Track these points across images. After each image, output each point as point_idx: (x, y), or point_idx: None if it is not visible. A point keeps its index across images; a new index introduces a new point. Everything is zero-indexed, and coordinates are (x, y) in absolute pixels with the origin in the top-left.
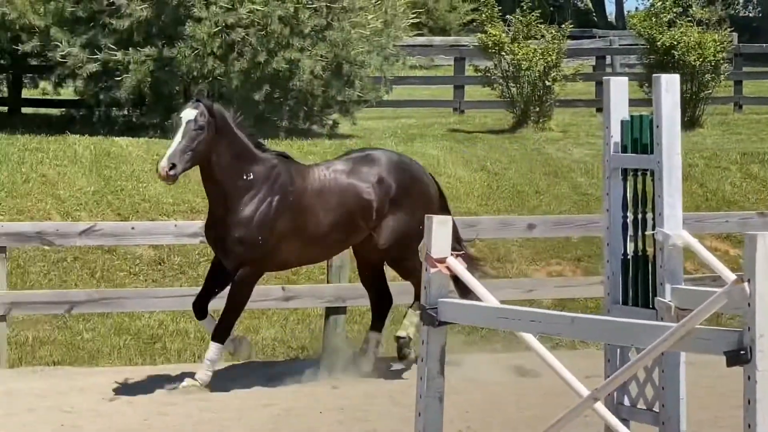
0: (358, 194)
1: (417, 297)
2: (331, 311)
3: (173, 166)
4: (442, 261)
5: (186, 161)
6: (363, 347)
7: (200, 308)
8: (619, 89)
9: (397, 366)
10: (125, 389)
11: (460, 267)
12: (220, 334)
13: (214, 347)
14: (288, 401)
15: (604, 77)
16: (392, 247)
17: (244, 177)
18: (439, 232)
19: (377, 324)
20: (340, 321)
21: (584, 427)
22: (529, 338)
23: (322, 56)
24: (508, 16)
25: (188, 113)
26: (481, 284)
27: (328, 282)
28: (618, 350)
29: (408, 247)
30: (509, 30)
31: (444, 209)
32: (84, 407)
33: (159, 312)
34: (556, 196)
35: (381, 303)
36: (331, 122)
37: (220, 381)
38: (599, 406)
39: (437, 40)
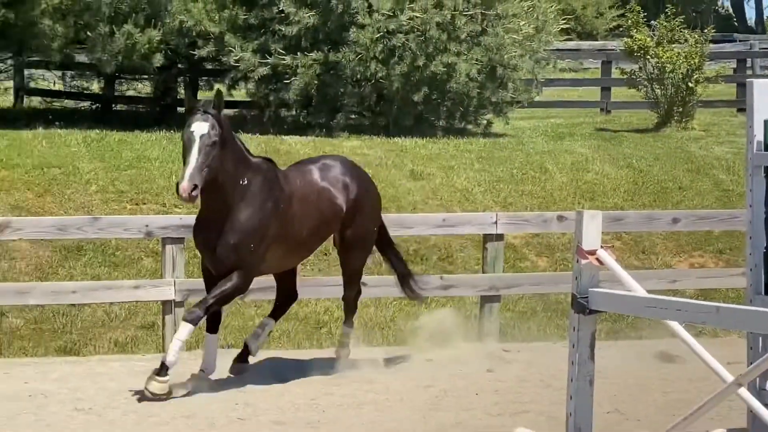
0: (331, 201)
1: (347, 301)
2: (486, 299)
3: (195, 187)
4: (592, 253)
5: (203, 178)
6: (256, 331)
7: (214, 324)
8: (763, 91)
9: (549, 351)
10: (294, 371)
11: (609, 259)
12: (196, 317)
13: (185, 328)
14: (446, 383)
15: (748, 79)
16: (350, 249)
17: (241, 183)
18: (589, 226)
19: (277, 313)
20: (494, 309)
21: (728, 410)
22: (676, 326)
23: (477, 60)
24: (652, 22)
25: (201, 127)
26: (630, 275)
27: (483, 272)
28: (760, 338)
29: (361, 248)
30: (654, 35)
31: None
32: (256, 387)
33: (324, 299)
34: (698, 192)
35: (288, 300)
36: (485, 122)
37: (383, 365)
38: (743, 391)
39: (585, 44)
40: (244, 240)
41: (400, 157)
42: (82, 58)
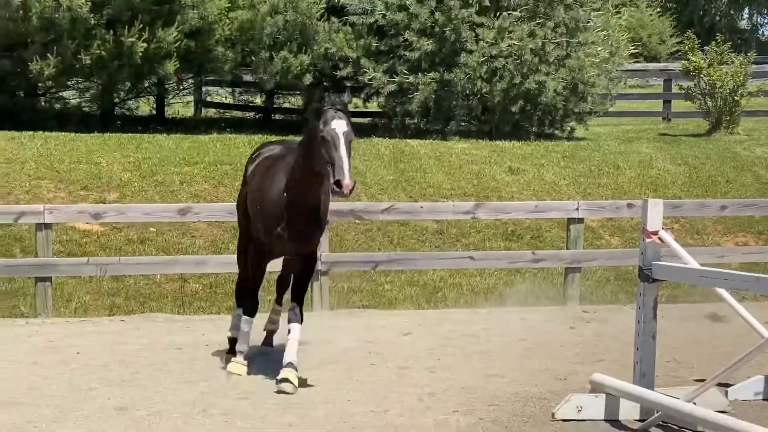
0: None
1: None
2: (569, 270)
3: (354, 183)
4: (655, 233)
5: None
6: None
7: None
8: None
9: (620, 312)
10: (416, 327)
11: (669, 238)
12: (301, 316)
13: (297, 329)
14: (537, 337)
15: None
16: None
17: None
18: (653, 211)
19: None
20: (576, 278)
21: (766, 360)
22: (723, 293)
23: (562, 78)
24: (705, 47)
25: (341, 125)
26: (686, 251)
27: (567, 248)
28: None
29: None
30: (706, 57)
31: None
32: (385, 340)
33: (440, 270)
34: (742, 185)
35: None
36: (569, 128)
37: (486, 322)
38: None
39: (650, 65)
40: (324, 222)
41: (501, 156)
42: (248, 77)
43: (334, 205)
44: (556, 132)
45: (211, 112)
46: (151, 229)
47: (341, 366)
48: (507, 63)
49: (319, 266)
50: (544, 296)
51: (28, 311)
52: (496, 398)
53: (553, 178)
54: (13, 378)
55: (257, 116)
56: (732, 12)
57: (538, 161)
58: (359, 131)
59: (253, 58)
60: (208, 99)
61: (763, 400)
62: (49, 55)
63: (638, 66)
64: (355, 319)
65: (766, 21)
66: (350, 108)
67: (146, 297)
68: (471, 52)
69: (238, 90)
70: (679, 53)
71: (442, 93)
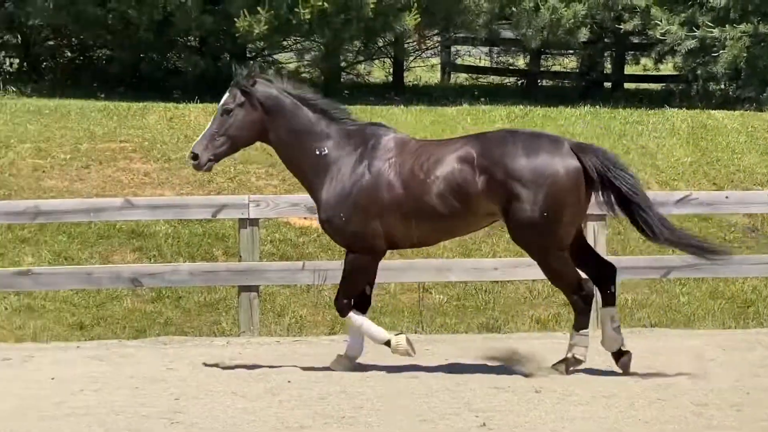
0: None
1: None
2: None
3: None
4: None
5: None
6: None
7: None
8: None
9: None
10: (716, 352)
11: None
12: None
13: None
14: None
15: None
16: None
17: None
18: None
19: None
20: None
21: None
22: None
23: None
24: None
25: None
26: None
27: None
28: None
29: None
30: None
31: None
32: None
33: (752, 278)
34: None
35: None
36: None
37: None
38: None
39: None
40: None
41: None
42: (507, 33)
43: None
44: None
45: (462, 78)
46: None
47: (622, 400)
48: None
49: None
50: None
51: (230, 328)
52: None
53: None
54: (209, 412)
55: (519, 82)
56: None
57: None
58: (648, 98)
59: (513, 8)
60: (458, 62)
61: None
62: (259, 8)
63: None
64: (641, 340)
65: None
66: (637, 71)
67: (377, 311)
68: None
69: (495, 50)
70: None
71: (756, 50)
